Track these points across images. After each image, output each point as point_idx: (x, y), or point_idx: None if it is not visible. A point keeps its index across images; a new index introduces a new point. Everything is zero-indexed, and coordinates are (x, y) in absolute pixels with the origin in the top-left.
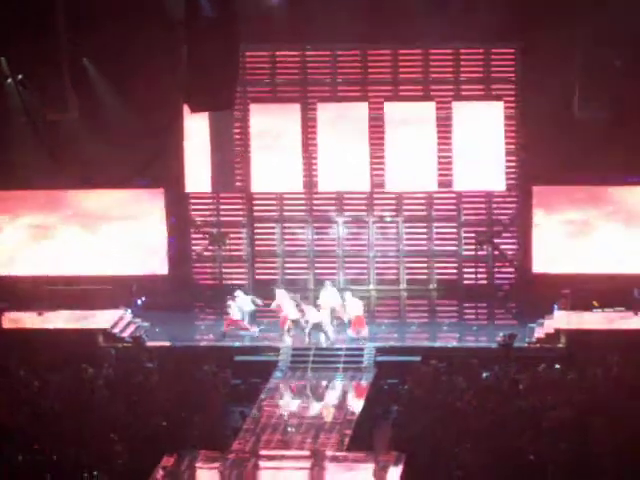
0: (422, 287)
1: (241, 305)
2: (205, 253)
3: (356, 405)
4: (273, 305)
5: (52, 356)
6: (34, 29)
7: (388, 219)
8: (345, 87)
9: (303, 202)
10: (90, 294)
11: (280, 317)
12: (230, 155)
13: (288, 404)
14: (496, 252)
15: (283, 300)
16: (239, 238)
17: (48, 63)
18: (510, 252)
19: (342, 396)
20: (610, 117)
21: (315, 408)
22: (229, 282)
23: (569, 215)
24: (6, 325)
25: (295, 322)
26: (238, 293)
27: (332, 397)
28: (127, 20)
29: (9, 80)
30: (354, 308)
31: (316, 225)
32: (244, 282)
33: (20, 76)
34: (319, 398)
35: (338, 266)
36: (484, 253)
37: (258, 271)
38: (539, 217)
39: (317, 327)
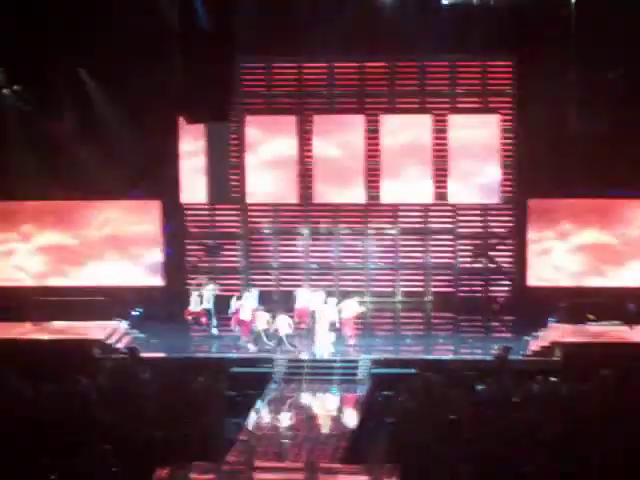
0: (417, 299)
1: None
2: (200, 264)
3: (351, 417)
4: (232, 305)
5: (47, 367)
6: (30, 39)
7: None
8: (341, 99)
9: (299, 214)
10: (85, 305)
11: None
12: (226, 166)
13: (283, 416)
14: (492, 265)
15: (248, 304)
16: (234, 249)
17: (44, 74)
18: (506, 265)
19: (337, 408)
20: (607, 130)
21: (310, 420)
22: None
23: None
24: (0, 335)
25: (264, 332)
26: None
27: (327, 409)
28: (123, 31)
29: (5, 90)
30: (346, 311)
31: (311, 237)
32: (239, 293)
33: (16, 86)
34: (314, 410)
35: (333, 278)
36: (480, 266)
37: (254, 282)
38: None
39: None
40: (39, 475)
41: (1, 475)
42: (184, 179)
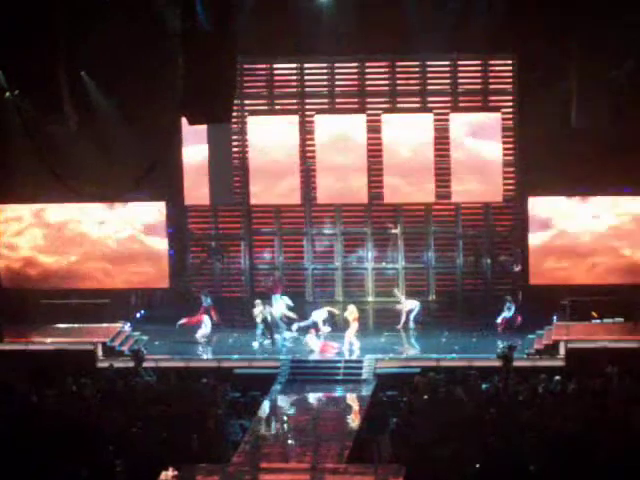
0: (421, 299)
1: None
2: (204, 266)
3: (356, 417)
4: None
5: (51, 370)
6: (32, 42)
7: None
8: (343, 99)
9: (301, 215)
10: (89, 307)
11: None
12: (228, 168)
13: (287, 417)
14: (494, 263)
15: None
16: (238, 251)
17: (46, 76)
18: (508, 263)
19: (342, 408)
20: (608, 128)
21: (315, 421)
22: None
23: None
24: (4, 339)
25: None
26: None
27: (331, 409)
28: (125, 33)
29: (7, 94)
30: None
31: (314, 237)
32: (243, 295)
33: (17, 89)
34: (318, 410)
35: (337, 278)
36: (482, 264)
37: (257, 284)
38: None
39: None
40: (42, 477)
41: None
42: (187, 181)
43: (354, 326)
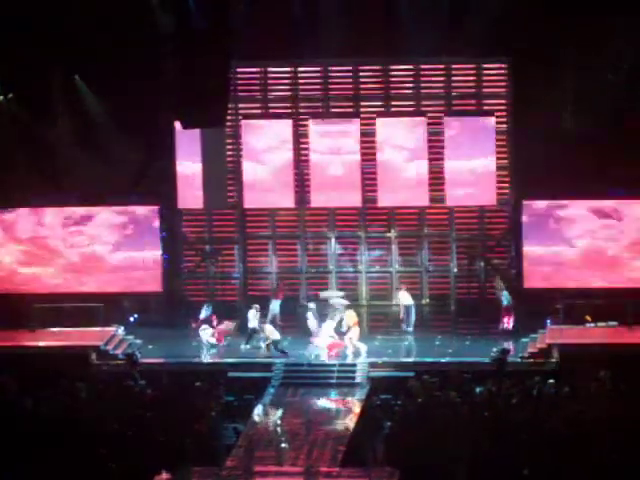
0: (415, 302)
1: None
2: (197, 270)
3: (349, 421)
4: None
5: (45, 374)
6: (26, 47)
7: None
8: (337, 103)
9: (295, 218)
10: (82, 311)
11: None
12: (222, 171)
13: (281, 420)
14: (488, 267)
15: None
16: (231, 254)
17: (39, 80)
18: (502, 266)
19: (335, 412)
20: (602, 131)
21: (308, 424)
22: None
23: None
24: None
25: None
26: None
27: (325, 413)
28: (118, 36)
29: (1, 97)
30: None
31: (308, 241)
32: (236, 299)
33: (11, 94)
34: (312, 414)
35: (331, 282)
36: (476, 268)
37: (250, 287)
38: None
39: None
40: None
41: None
42: (181, 184)
43: (355, 330)
